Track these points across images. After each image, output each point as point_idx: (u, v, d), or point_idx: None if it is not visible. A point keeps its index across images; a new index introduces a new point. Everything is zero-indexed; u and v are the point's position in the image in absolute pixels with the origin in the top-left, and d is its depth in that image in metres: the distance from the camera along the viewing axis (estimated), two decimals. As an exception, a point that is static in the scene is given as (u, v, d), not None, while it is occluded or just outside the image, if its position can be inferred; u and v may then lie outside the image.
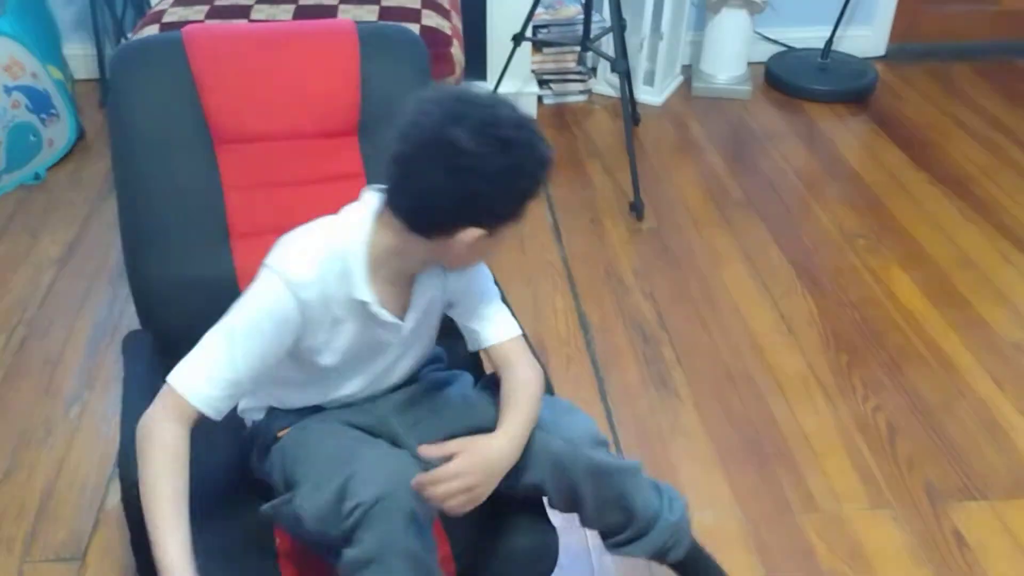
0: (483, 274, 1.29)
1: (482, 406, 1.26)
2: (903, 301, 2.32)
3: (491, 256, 1.22)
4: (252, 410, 1.31)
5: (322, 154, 1.47)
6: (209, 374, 1.09)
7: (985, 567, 1.67)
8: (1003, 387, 2.07)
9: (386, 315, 1.17)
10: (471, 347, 1.29)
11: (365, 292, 1.14)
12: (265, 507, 1.18)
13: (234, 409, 1.26)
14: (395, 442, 1.24)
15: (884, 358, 2.14)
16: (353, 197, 1.19)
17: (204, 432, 1.12)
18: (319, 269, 1.11)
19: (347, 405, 1.28)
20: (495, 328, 1.27)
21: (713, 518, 1.75)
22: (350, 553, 1.08)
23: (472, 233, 1.08)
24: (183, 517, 1.05)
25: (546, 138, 1.11)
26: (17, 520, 1.72)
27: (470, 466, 1.12)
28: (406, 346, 1.26)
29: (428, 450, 1.15)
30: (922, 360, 2.14)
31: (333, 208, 1.18)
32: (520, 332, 1.28)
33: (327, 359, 1.18)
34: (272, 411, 1.28)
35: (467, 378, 1.35)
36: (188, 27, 1.47)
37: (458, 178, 1.05)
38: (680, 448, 1.90)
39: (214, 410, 1.10)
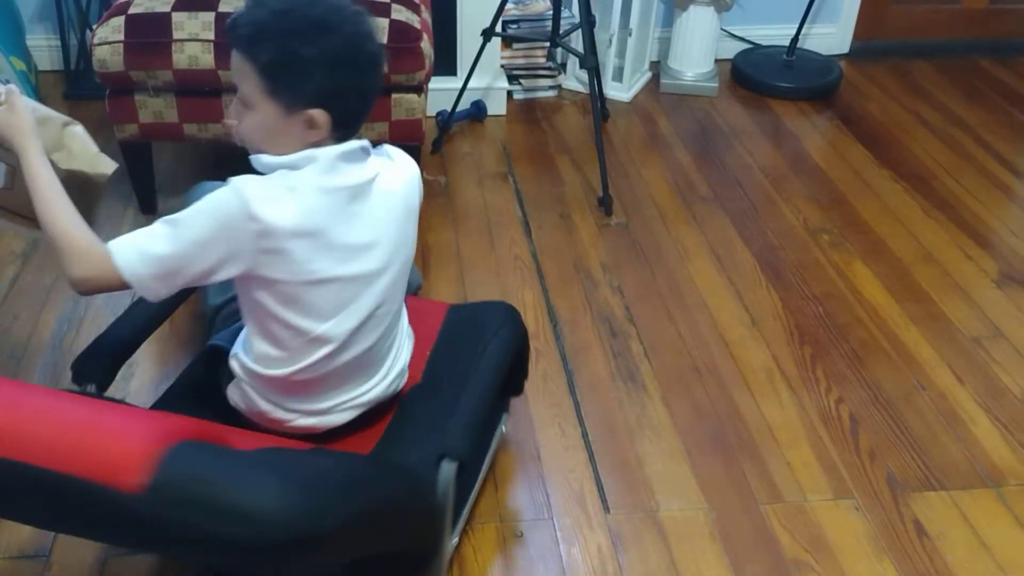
0: None
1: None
2: (865, 295, 2.36)
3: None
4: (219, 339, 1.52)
5: None
6: (144, 248, 1.25)
7: (944, 556, 1.70)
8: (962, 380, 2.11)
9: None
10: None
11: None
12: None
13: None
14: None
15: (847, 351, 2.18)
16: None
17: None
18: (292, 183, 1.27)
19: None
20: None
21: (680, 509, 1.77)
22: None
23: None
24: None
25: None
26: (-19, 516, 1.70)
27: None
28: None
29: None
30: (884, 353, 2.18)
31: None
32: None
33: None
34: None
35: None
36: None
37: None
38: (647, 440, 1.92)
39: (136, 277, 1.24)
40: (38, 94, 2.85)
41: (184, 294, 1.48)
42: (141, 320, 1.46)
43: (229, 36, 1.26)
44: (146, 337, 1.46)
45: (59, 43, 3.10)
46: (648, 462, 1.87)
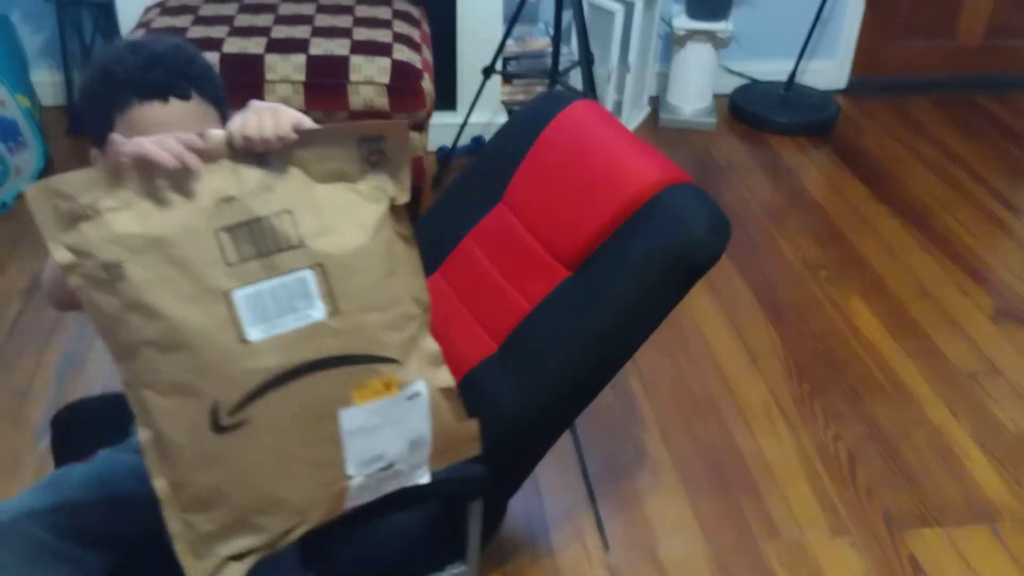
0: None
1: None
2: (863, 331, 2.38)
3: None
4: None
5: (530, 262, 1.42)
6: None
7: (941, 593, 1.71)
8: (958, 416, 2.13)
9: None
10: None
11: None
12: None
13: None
14: None
15: (844, 387, 2.20)
16: (508, 309, 1.35)
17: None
18: None
19: None
20: None
21: (679, 545, 1.78)
22: None
23: (95, 154, 1.15)
24: None
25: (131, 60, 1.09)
26: (-17, 554, 1.71)
27: (255, 103, 1.03)
28: None
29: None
30: (881, 389, 2.20)
31: (480, 301, 1.38)
32: None
33: None
34: None
35: None
36: (582, 101, 1.48)
37: None
38: (646, 477, 1.93)
39: None
40: (42, 130, 2.89)
41: None
42: None
43: (142, 91, 1.08)
44: None
45: (63, 79, 3.14)
46: (648, 499, 1.88)
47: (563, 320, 1.34)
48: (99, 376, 2.11)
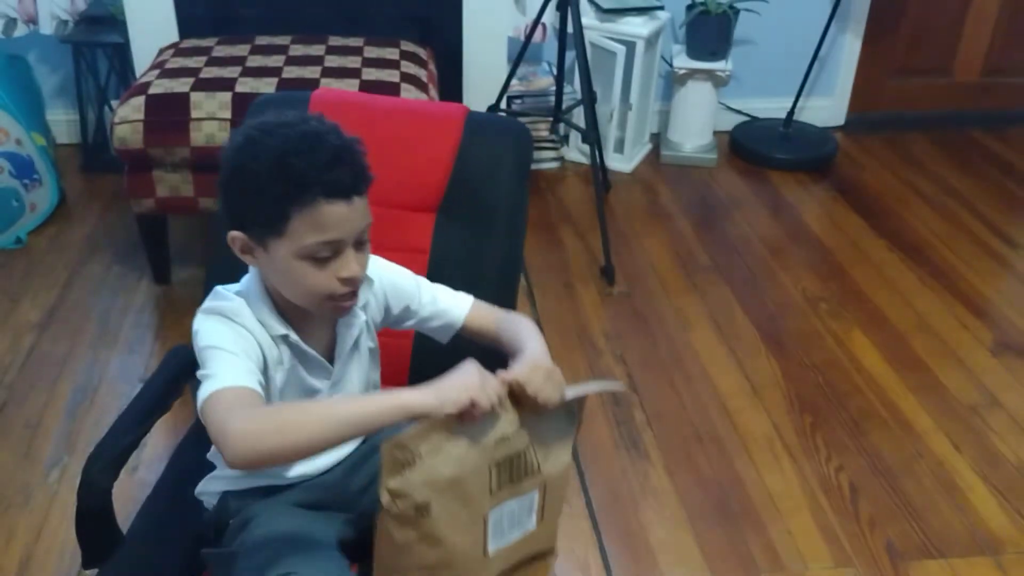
0: (404, 276, 1.31)
1: None
2: (864, 364, 2.41)
3: (303, 279, 1.13)
4: (206, 494, 1.30)
5: (398, 224, 1.53)
6: (233, 370, 1.09)
7: (945, 625, 1.72)
8: (960, 448, 2.15)
9: (309, 349, 1.20)
10: (446, 339, 1.32)
11: (279, 326, 1.17)
12: (206, 552, 1.21)
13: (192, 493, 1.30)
14: (347, 507, 1.27)
15: (846, 420, 2.22)
16: (415, 270, 1.29)
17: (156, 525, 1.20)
18: (240, 303, 1.17)
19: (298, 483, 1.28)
20: (455, 309, 1.30)
21: (683, 578, 1.80)
22: None
23: (238, 236, 1.13)
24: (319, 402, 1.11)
25: (320, 161, 1.07)
26: (-5, 585, 1.74)
27: (531, 362, 1.12)
28: (338, 394, 1.27)
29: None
30: (882, 422, 2.22)
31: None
32: (472, 297, 1.33)
33: (272, 400, 1.20)
34: (224, 497, 1.27)
35: None
36: (319, 89, 1.59)
37: (220, 172, 1.12)
38: (650, 509, 1.95)
39: (263, 393, 1.10)
40: (56, 168, 2.95)
41: (183, 378, 1.47)
42: (142, 414, 1.40)
43: (330, 191, 1.08)
44: (149, 428, 1.41)
45: (77, 117, 3.21)
46: (651, 530, 1.90)
47: (462, 247, 1.52)
48: (110, 409, 2.14)
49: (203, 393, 1.07)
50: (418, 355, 1.51)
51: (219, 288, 1.21)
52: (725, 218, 3.10)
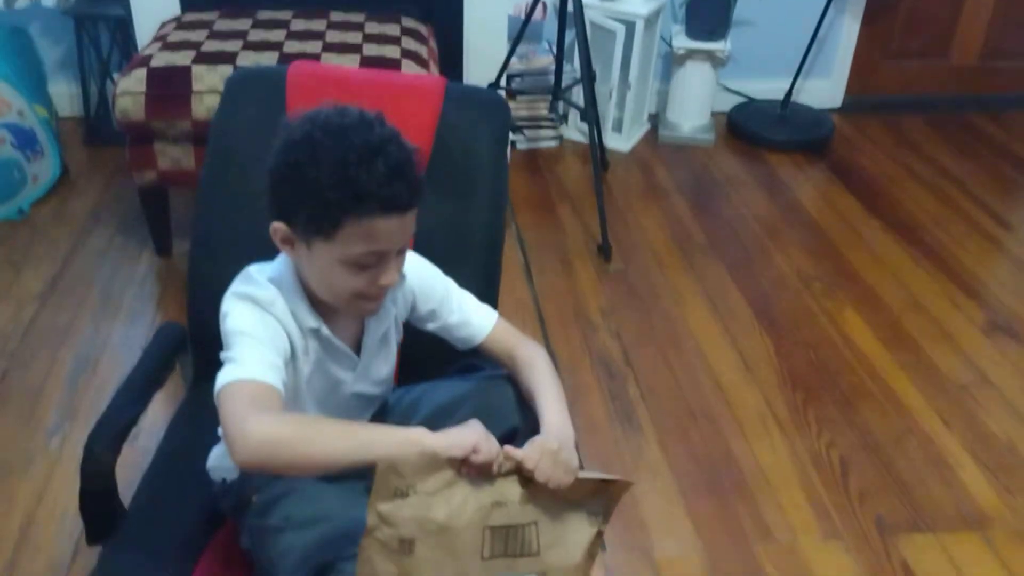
0: (439, 278, 1.32)
1: (460, 406, 1.28)
2: (856, 342, 2.44)
3: (340, 281, 1.14)
4: (220, 468, 1.30)
5: None
6: (258, 362, 1.09)
7: (930, 596, 1.76)
8: (950, 426, 2.18)
9: (338, 342, 1.21)
10: (461, 348, 1.33)
11: (311, 319, 1.18)
12: (252, 523, 1.21)
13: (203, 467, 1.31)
14: (362, 475, 1.28)
15: (838, 396, 2.25)
16: None
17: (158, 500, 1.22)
18: (273, 291, 1.16)
19: None
20: (478, 322, 1.31)
21: (675, 550, 1.83)
22: None
23: (280, 228, 1.13)
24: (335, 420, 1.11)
25: (383, 169, 1.06)
26: (-2, 548, 1.76)
27: (539, 445, 1.11)
28: (362, 384, 1.29)
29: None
30: (873, 399, 2.25)
31: None
32: (497, 313, 1.33)
33: (291, 395, 1.20)
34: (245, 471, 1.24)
35: (435, 385, 1.38)
36: (295, 62, 1.60)
37: (272, 162, 1.11)
38: (644, 482, 1.98)
39: (283, 390, 1.09)
40: (58, 140, 2.96)
41: (175, 354, 1.50)
42: (139, 391, 1.41)
43: (387, 206, 1.09)
44: (147, 404, 1.42)
45: (80, 91, 3.22)
46: (644, 503, 1.93)
47: (446, 219, 1.53)
48: (111, 379, 2.17)
49: (224, 377, 1.07)
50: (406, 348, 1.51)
51: (251, 271, 1.20)
52: (721, 198, 3.12)
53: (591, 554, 1.18)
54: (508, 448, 1.09)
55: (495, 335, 1.32)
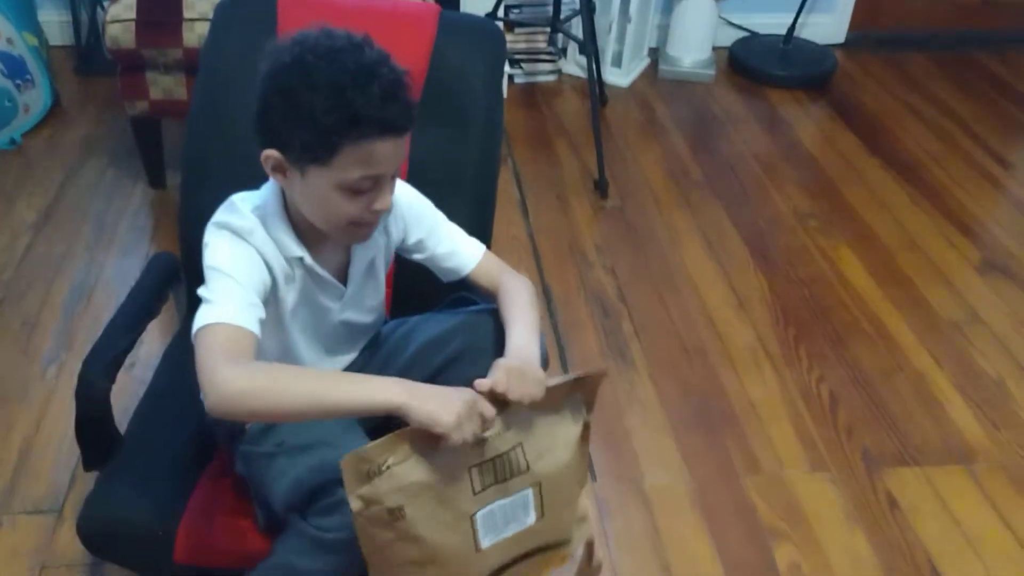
0: (429, 209, 1.32)
1: (451, 339, 1.29)
2: (850, 280, 2.44)
3: (336, 207, 1.13)
4: None
5: None
6: (234, 303, 1.08)
7: (915, 528, 1.79)
8: (940, 362, 2.19)
9: (323, 272, 1.21)
10: (447, 279, 1.34)
11: (295, 248, 1.17)
12: (245, 449, 1.24)
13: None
14: None
15: (829, 333, 2.26)
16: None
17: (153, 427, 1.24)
18: (254, 221, 1.16)
19: None
20: (466, 254, 1.31)
21: (664, 480, 1.86)
22: (320, 530, 1.12)
23: (272, 156, 1.11)
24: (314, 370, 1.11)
25: (378, 90, 1.05)
26: (-4, 474, 1.79)
27: (503, 367, 1.11)
28: (349, 312, 1.29)
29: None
30: (865, 335, 2.26)
31: None
32: (485, 247, 1.34)
33: (275, 324, 1.21)
34: None
35: (427, 317, 1.38)
36: None
37: (261, 87, 1.09)
38: (635, 415, 2.00)
39: (258, 331, 1.09)
40: (49, 69, 2.92)
41: (168, 284, 1.50)
42: (133, 319, 1.42)
43: (384, 128, 1.07)
44: (141, 332, 1.42)
45: (70, 19, 3.16)
46: (635, 436, 1.95)
47: (440, 150, 1.53)
48: (106, 309, 2.17)
49: (199, 319, 1.07)
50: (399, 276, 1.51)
51: (235, 200, 1.19)
52: (720, 135, 3.09)
53: (582, 450, 1.23)
54: (477, 381, 1.09)
55: (482, 267, 1.32)
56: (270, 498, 1.19)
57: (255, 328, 1.09)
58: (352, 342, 1.36)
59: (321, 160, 1.08)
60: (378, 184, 1.12)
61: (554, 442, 1.19)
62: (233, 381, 1.02)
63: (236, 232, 1.14)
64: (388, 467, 1.06)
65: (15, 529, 1.69)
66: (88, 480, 1.73)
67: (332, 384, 1.06)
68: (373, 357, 1.38)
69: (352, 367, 1.37)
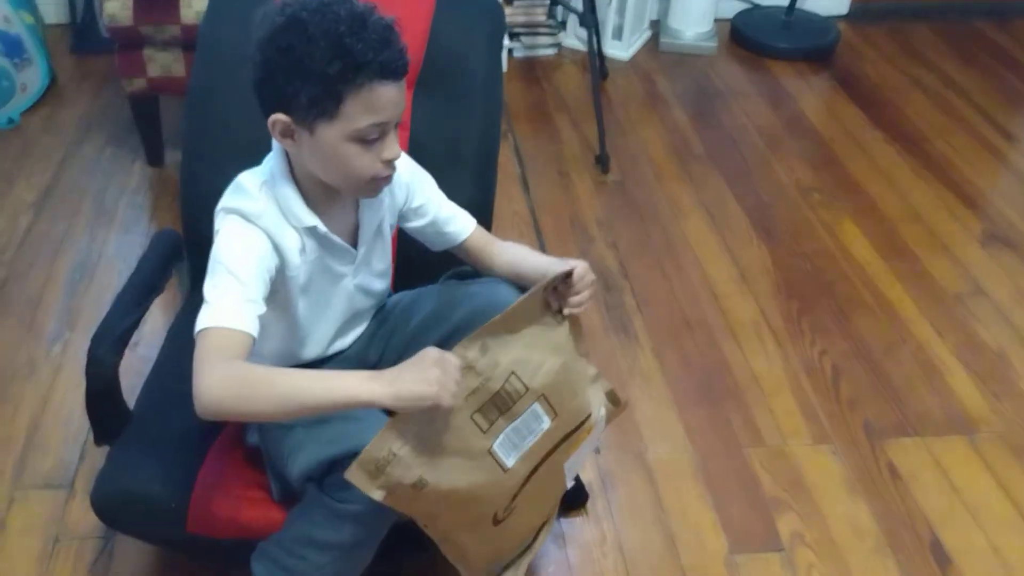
0: (428, 176, 1.36)
1: (453, 311, 1.32)
2: (853, 253, 2.44)
3: (350, 162, 1.15)
4: None
5: None
6: (233, 306, 1.10)
7: (916, 497, 1.80)
8: (942, 334, 2.19)
9: (335, 237, 1.22)
10: (440, 246, 1.37)
11: (308, 216, 1.19)
12: (266, 427, 1.26)
13: None
14: (376, 366, 1.32)
15: (832, 306, 2.26)
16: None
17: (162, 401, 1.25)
18: (263, 200, 1.17)
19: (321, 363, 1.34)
20: (463, 219, 1.37)
21: (667, 452, 1.86)
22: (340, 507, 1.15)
23: (280, 120, 1.12)
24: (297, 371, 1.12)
25: (374, 41, 1.07)
26: (5, 450, 1.80)
27: (583, 266, 1.26)
28: (362, 276, 1.31)
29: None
30: (867, 308, 2.26)
31: None
32: (474, 220, 1.39)
33: (290, 297, 1.23)
34: None
35: (429, 290, 1.41)
36: None
37: (259, 53, 1.10)
38: (638, 389, 2.01)
39: (254, 328, 1.11)
40: (46, 47, 2.90)
41: (172, 260, 1.50)
42: (139, 295, 1.42)
43: (384, 71, 1.09)
44: (147, 309, 1.43)
45: (66, -3, 3.15)
46: (638, 408, 1.96)
47: (441, 122, 1.53)
48: (109, 286, 2.18)
49: (199, 322, 1.09)
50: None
51: (242, 180, 1.20)
52: (722, 108, 3.08)
53: (572, 342, 1.30)
54: (557, 261, 1.26)
55: (477, 233, 1.37)
56: (286, 470, 1.20)
57: (250, 327, 1.10)
58: (365, 307, 1.38)
59: (329, 113, 1.10)
60: (384, 133, 1.14)
61: (544, 354, 1.23)
62: (215, 387, 1.04)
63: (245, 216, 1.15)
64: (395, 455, 1.09)
65: (27, 504, 1.70)
66: (98, 455, 1.75)
67: (311, 384, 1.07)
68: (380, 328, 1.39)
69: (360, 340, 1.38)
